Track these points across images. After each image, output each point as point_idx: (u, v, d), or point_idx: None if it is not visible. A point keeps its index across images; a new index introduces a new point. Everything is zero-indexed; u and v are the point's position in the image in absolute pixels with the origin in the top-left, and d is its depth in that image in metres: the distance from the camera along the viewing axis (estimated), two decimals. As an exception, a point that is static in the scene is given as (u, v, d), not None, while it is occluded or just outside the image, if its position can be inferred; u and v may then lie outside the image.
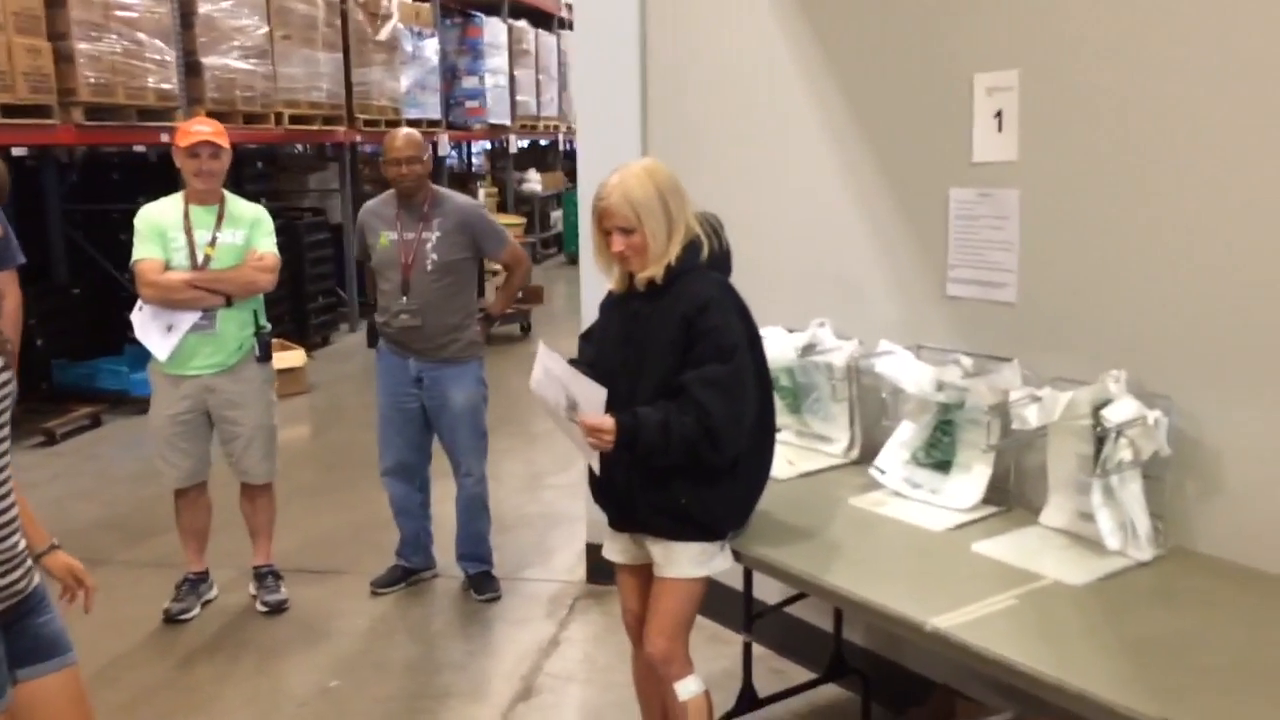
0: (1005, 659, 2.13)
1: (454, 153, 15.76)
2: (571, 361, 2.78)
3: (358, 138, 10.75)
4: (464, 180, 15.20)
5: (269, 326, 4.33)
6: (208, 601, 4.43)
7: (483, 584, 4.47)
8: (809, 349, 3.39)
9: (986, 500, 2.93)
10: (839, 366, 3.33)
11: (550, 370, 2.64)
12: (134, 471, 6.28)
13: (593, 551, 4.52)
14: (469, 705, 3.65)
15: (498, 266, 5.05)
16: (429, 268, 4.20)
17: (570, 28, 18.18)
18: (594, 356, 2.85)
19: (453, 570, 4.63)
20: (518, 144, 16.29)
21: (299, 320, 9.49)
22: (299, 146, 12.32)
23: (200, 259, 4.06)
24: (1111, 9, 2.68)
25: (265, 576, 4.45)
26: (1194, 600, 2.37)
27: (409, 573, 4.59)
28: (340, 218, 10.90)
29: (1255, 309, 2.47)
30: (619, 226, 2.66)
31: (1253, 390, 2.49)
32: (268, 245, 4.20)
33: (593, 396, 2.54)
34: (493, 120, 14.17)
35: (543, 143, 18.67)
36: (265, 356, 4.28)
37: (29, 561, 2.24)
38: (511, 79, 14.80)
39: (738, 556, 2.78)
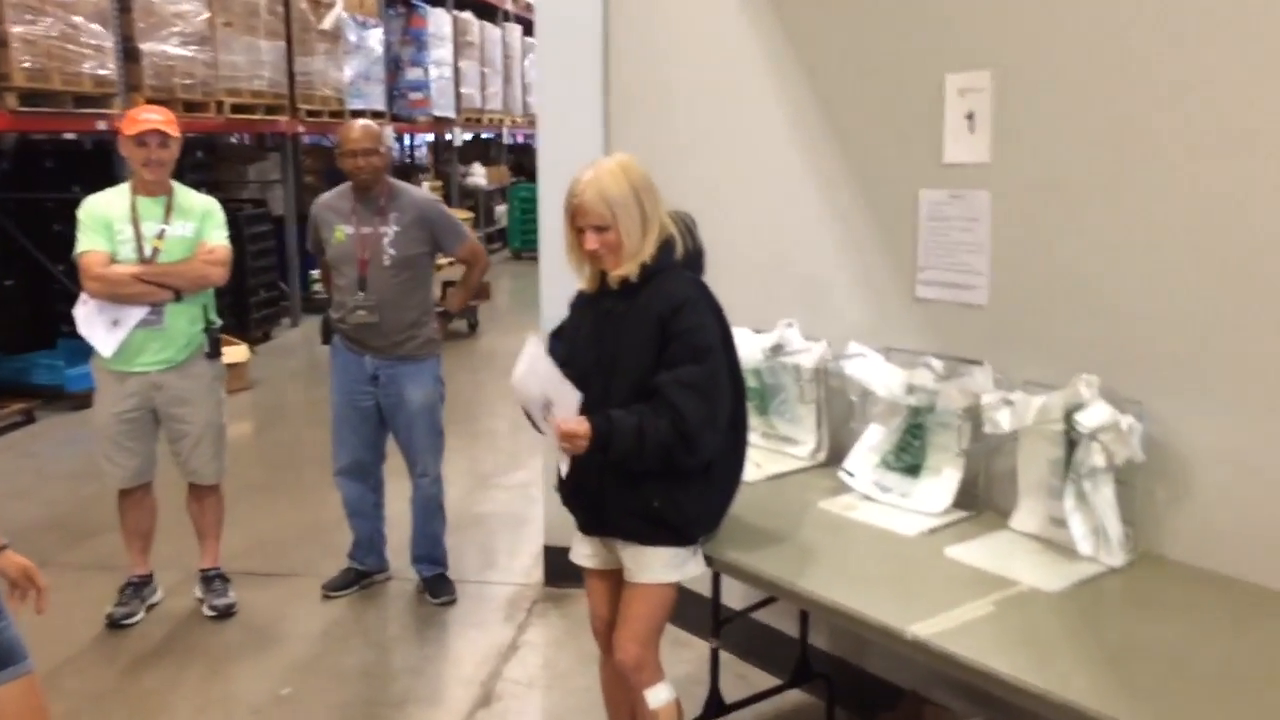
0: (991, 669, 2.12)
1: (397, 145, 15.54)
2: None
3: (300, 128, 10.54)
4: (407, 173, 15.01)
5: (219, 322, 4.21)
6: (152, 606, 4.29)
7: (438, 587, 4.39)
8: (776, 350, 3.37)
9: (956, 504, 2.92)
10: (807, 368, 3.30)
11: (534, 367, 2.58)
12: (72, 469, 6.09)
13: (551, 554, 4.47)
14: (427, 712, 3.58)
15: (443, 261, 4.94)
16: (386, 263, 4.11)
17: (515, 20, 18.08)
18: (566, 355, 2.79)
19: (406, 573, 4.54)
20: (462, 137, 16.13)
21: (240, 315, 9.28)
22: (238, 136, 12.07)
23: (148, 252, 3.92)
24: (1086, 11, 2.68)
25: (213, 580, 4.33)
26: (1171, 608, 2.38)
27: (362, 575, 4.49)
28: (282, 209, 10.69)
29: (1226, 314, 2.49)
30: (593, 224, 2.60)
31: (1223, 396, 2.50)
32: (219, 238, 4.08)
33: (568, 400, 2.49)
34: (437, 113, 14.01)
35: (485, 136, 18.53)
36: (215, 353, 4.16)
37: None
38: (456, 71, 14.65)
39: (710, 561, 2.74)
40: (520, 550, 4.92)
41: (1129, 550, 2.58)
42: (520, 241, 15.88)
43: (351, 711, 3.57)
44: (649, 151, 3.62)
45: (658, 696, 2.74)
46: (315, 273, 11.47)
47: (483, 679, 3.78)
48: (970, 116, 2.94)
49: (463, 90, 14.91)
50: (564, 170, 4.08)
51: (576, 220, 2.63)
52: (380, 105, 12.42)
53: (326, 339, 4.38)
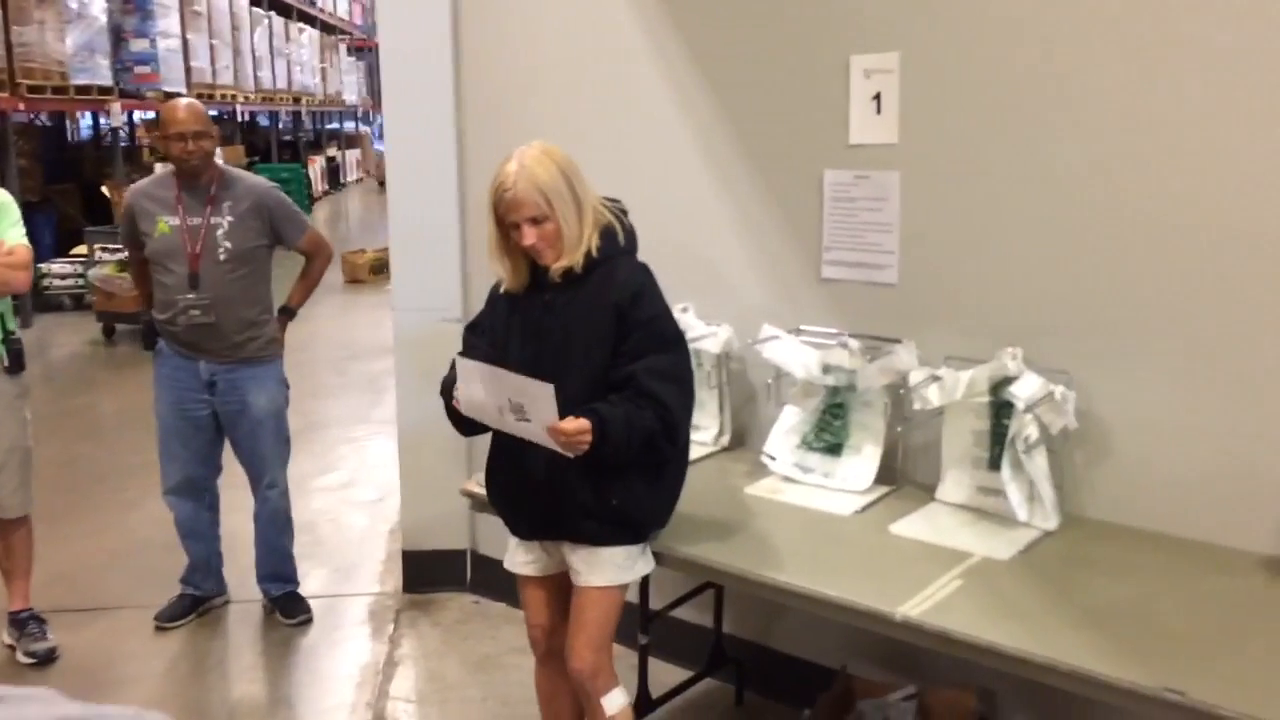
0: (994, 644, 2.16)
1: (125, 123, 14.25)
2: (464, 356, 2.59)
3: (20, 105, 9.45)
4: (132, 154, 13.81)
5: (19, 332, 3.68)
6: (-51, 660, 3.74)
7: (290, 606, 4.05)
8: (676, 336, 3.30)
9: (876, 480, 2.97)
10: (711, 354, 3.26)
11: (479, 379, 2.41)
12: None
13: (410, 559, 4.23)
14: (316, 744, 3.30)
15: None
16: (221, 257, 3.72)
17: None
18: (486, 351, 2.62)
19: (245, 593, 4.17)
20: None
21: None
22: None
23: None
24: (994, -3, 2.76)
25: (26, 623, 3.80)
26: (1115, 566, 2.50)
27: (199, 601, 4.08)
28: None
29: (1139, 284, 2.63)
30: (528, 216, 2.44)
31: (1140, 363, 2.66)
32: (17, 236, 3.56)
33: (541, 394, 2.32)
34: (166, 88, 12.92)
35: (213, 113, 17.34)
36: (17, 367, 3.64)
37: None
38: (185, 43, 13.59)
39: (661, 559, 2.65)
40: (366, 557, 4.63)
41: (1059, 513, 2.70)
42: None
43: (230, 755, 3.24)
44: (510, 137, 3.46)
45: (614, 701, 2.64)
46: (50, 265, 10.38)
47: (368, 700, 3.52)
48: (877, 98, 2.98)
49: (193, 64, 13.88)
50: (414, 176, 3.92)
51: (510, 215, 2.46)
52: (107, 80, 11.33)
53: (149, 344, 3.92)
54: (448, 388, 2.57)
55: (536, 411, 2.34)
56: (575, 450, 2.36)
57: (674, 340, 2.50)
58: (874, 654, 3.10)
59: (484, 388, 2.42)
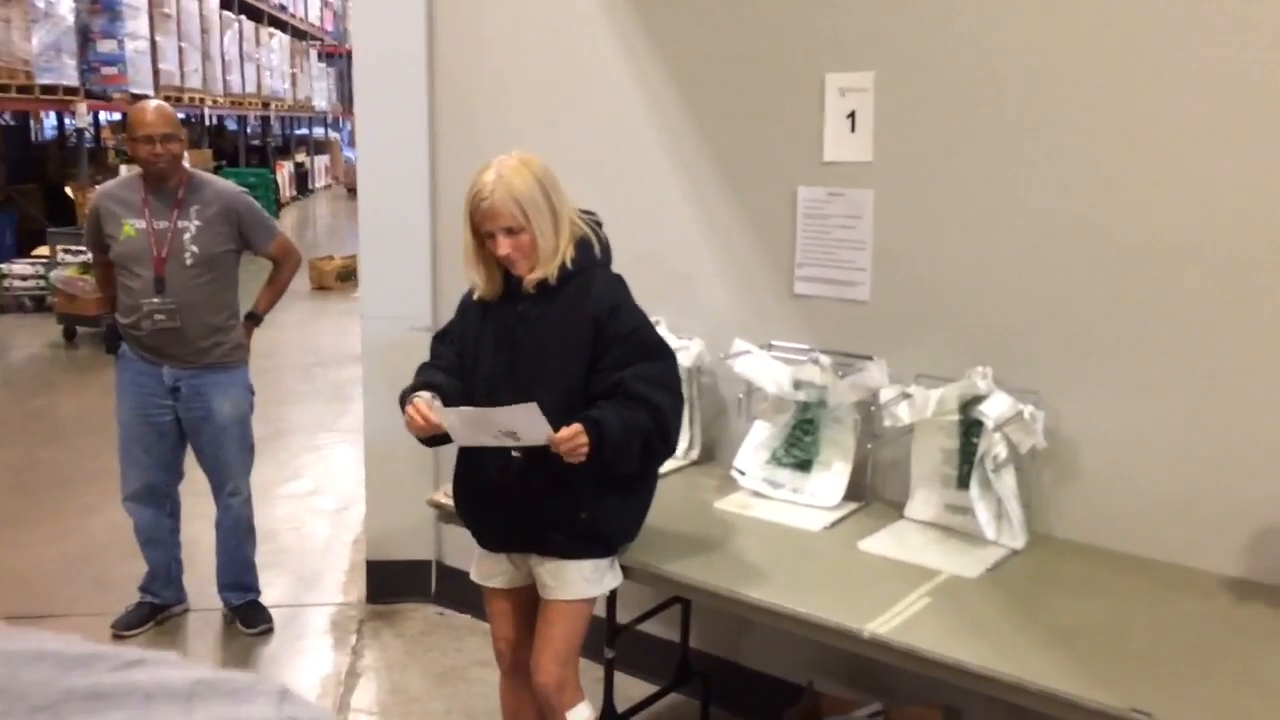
0: (960, 663, 2.16)
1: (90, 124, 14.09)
2: (430, 365, 2.62)
3: (-15, 104, 9.32)
4: (97, 155, 13.66)
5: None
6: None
7: (251, 616, 4.00)
8: (647, 349, 3.29)
9: (846, 496, 2.97)
10: (681, 367, 3.24)
11: (466, 422, 2.43)
12: None
13: (375, 570, 4.19)
14: (275, 757, 3.24)
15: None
16: (188, 261, 3.67)
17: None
18: (453, 361, 2.61)
19: (204, 602, 4.11)
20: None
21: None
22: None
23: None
24: (969, 12, 2.78)
25: (-21, 630, 3.72)
26: (1084, 586, 2.51)
27: (157, 610, 4.02)
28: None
29: (1109, 306, 2.66)
30: (504, 227, 2.43)
31: (1109, 384, 2.68)
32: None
33: (526, 415, 2.33)
34: (134, 90, 12.79)
35: (181, 116, 17.18)
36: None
37: None
38: (153, 45, 13.45)
39: (629, 573, 2.64)
40: (330, 566, 4.58)
41: (1026, 532, 2.71)
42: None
43: (188, 767, 3.17)
44: (484, 146, 3.45)
45: (579, 716, 2.62)
46: (11, 265, 10.24)
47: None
48: (851, 116, 2.99)
49: (161, 66, 13.74)
50: (385, 186, 3.89)
51: (485, 225, 2.45)
52: (73, 80, 11.19)
53: (112, 348, 3.86)
54: (404, 399, 2.54)
55: (528, 431, 2.35)
56: (576, 458, 2.35)
57: (658, 349, 2.51)
58: (841, 670, 3.10)
59: (471, 428, 2.43)
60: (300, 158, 23.60)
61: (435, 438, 2.52)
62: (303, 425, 6.70)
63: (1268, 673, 2.12)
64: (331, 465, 5.96)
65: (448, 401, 2.49)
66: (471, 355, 2.60)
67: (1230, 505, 2.52)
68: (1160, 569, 2.58)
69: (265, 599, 4.12)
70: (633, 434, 2.39)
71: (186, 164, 3.83)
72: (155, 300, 3.65)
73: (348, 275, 11.47)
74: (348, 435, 6.13)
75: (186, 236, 3.67)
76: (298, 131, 25.65)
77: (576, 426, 2.34)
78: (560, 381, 2.46)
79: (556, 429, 2.37)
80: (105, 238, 3.73)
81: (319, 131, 28.09)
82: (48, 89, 10.48)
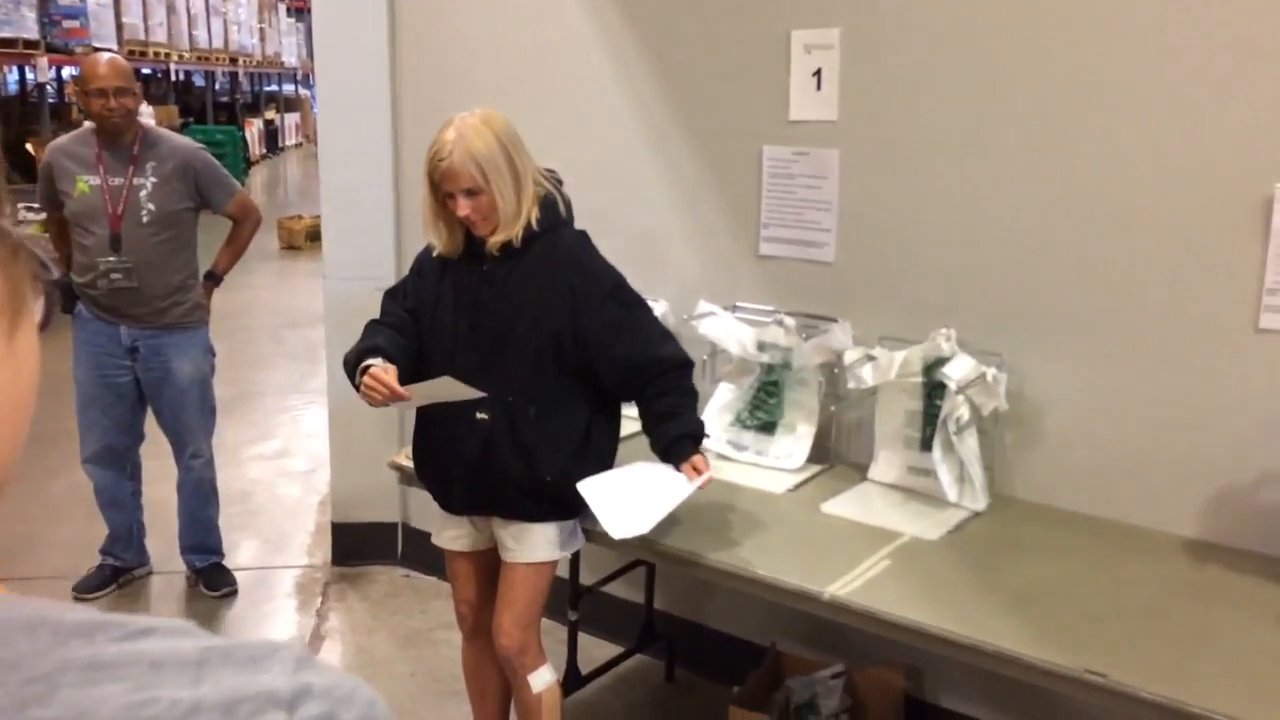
0: (918, 624, 2.16)
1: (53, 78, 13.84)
2: (378, 323, 2.58)
3: (-58, 58, 9.11)
4: (59, 111, 13.41)
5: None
6: None
7: (215, 578, 3.97)
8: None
9: (809, 459, 2.97)
10: (647, 328, 3.22)
11: (615, 490, 2.51)
12: None
13: (340, 532, 4.17)
14: None
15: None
16: (145, 219, 3.60)
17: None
18: (403, 319, 2.55)
19: (168, 564, 4.07)
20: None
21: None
22: None
23: None
24: (937, -25, 2.74)
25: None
26: (1044, 548, 2.52)
27: (120, 572, 3.98)
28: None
29: (1071, 269, 2.65)
30: (463, 188, 2.38)
31: (1071, 347, 2.67)
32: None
33: (667, 478, 2.50)
34: (96, 44, 12.52)
35: (146, 72, 16.88)
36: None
37: None
38: (116, -3, 13.19)
39: (591, 536, 2.63)
40: (296, 528, 4.55)
41: (988, 494, 2.72)
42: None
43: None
44: (447, 102, 3.39)
45: (542, 679, 2.62)
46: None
47: (293, 676, 3.45)
48: (817, 74, 2.95)
49: (124, 20, 13.48)
50: (346, 146, 3.82)
51: (444, 185, 2.40)
52: (33, 33, 10.95)
53: (69, 308, 3.79)
54: (351, 362, 2.49)
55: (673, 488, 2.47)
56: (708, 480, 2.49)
57: (639, 302, 2.55)
58: (804, 632, 3.11)
59: (621, 494, 2.50)
60: (270, 115, 23.24)
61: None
62: (274, 386, 6.64)
63: (1221, 634, 2.14)
64: (301, 426, 5.91)
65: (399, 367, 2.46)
66: (430, 314, 2.55)
67: (1189, 468, 2.53)
68: (1120, 530, 2.59)
69: (232, 561, 4.09)
70: (690, 402, 2.57)
71: (143, 119, 3.75)
72: (111, 259, 3.59)
73: (317, 235, 11.25)
74: (318, 396, 6.06)
75: (143, 194, 3.60)
76: (267, 88, 25.24)
77: (704, 464, 2.48)
78: (529, 341, 2.43)
79: (523, 389, 2.40)
80: (59, 194, 3.65)
81: (289, 88, 27.65)
82: (7, 42, 10.26)
